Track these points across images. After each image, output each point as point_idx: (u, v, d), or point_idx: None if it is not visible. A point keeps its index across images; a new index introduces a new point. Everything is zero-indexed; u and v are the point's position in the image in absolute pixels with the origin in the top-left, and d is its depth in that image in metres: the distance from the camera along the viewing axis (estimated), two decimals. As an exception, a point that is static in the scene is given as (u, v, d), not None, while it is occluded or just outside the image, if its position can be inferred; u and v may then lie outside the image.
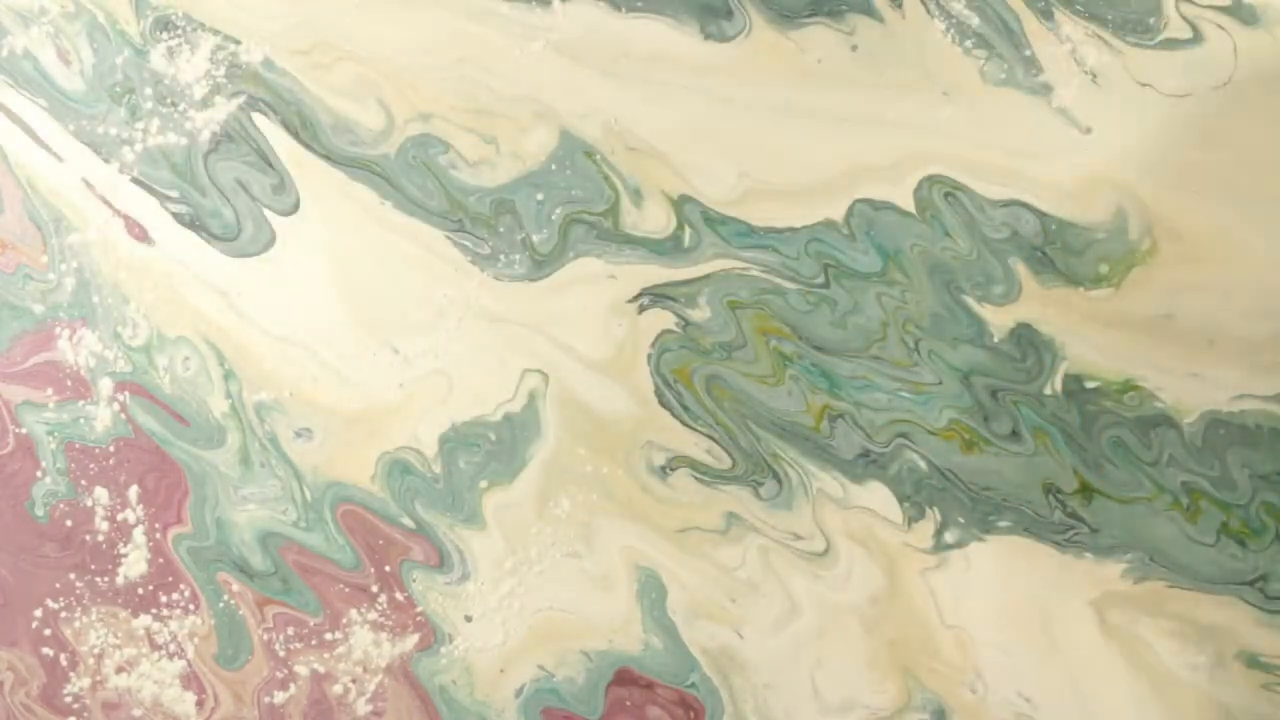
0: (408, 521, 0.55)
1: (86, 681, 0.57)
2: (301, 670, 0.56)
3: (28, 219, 0.56)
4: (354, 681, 0.56)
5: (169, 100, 0.55)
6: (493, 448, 0.55)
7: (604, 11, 0.53)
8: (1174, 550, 0.51)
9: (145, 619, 0.57)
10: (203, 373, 0.55)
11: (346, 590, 0.56)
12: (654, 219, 0.53)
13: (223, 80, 0.55)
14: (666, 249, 0.53)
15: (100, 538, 0.56)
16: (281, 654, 0.56)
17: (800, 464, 0.53)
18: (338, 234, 0.55)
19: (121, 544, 0.56)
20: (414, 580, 0.55)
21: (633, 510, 0.54)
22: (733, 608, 0.54)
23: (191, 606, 0.56)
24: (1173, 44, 0.50)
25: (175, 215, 0.55)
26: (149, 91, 0.55)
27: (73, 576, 0.57)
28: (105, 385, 0.56)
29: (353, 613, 0.56)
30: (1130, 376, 0.51)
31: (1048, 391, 0.51)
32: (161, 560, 0.56)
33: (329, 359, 0.55)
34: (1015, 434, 0.52)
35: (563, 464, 0.54)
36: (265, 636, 0.56)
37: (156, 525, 0.56)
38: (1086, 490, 0.51)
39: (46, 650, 0.57)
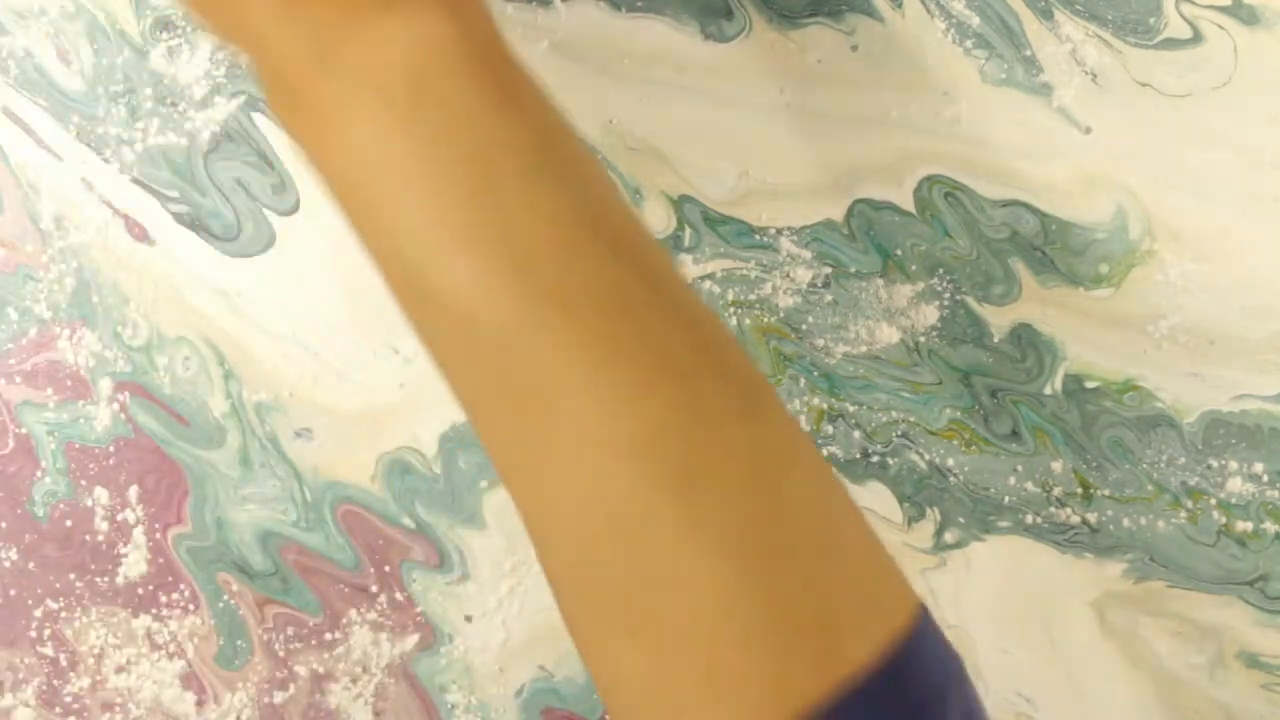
0: (408, 521, 0.55)
1: (86, 681, 0.57)
2: (301, 670, 0.56)
3: (28, 219, 0.56)
4: (354, 681, 0.56)
5: (169, 100, 0.55)
6: (493, 448, 0.55)
7: (604, 11, 0.53)
8: (1174, 550, 0.51)
9: (145, 619, 0.56)
10: (203, 373, 0.55)
11: (346, 590, 0.56)
12: (654, 219, 0.53)
13: (223, 80, 0.55)
14: (666, 249, 0.53)
15: (100, 538, 0.56)
16: (281, 654, 0.56)
17: (800, 464, 0.53)
18: (338, 234, 0.55)
19: (121, 544, 0.56)
20: (414, 580, 0.55)
21: (633, 510, 0.54)
22: (733, 608, 0.54)
23: (191, 606, 0.56)
24: (1173, 44, 0.50)
25: (175, 215, 0.55)
26: (149, 91, 0.55)
27: (73, 576, 0.57)
28: (105, 385, 0.56)
29: (353, 613, 0.56)
30: (1130, 376, 0.51)
31: (1048, 391, 0.51)
32: (161, 560, 0.56)
33: (329, 359, 0.55)
34: (1015, 434, 0.52)
35: (563, 464, 0.54)
36: (265, 636, 0.56)
37: (156, 525, 0.56)
38: (1086, 490, 0.51)
39: (46, 650, 0.57)
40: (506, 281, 0.30)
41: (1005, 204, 0.51)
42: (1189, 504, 0.51)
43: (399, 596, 0.55)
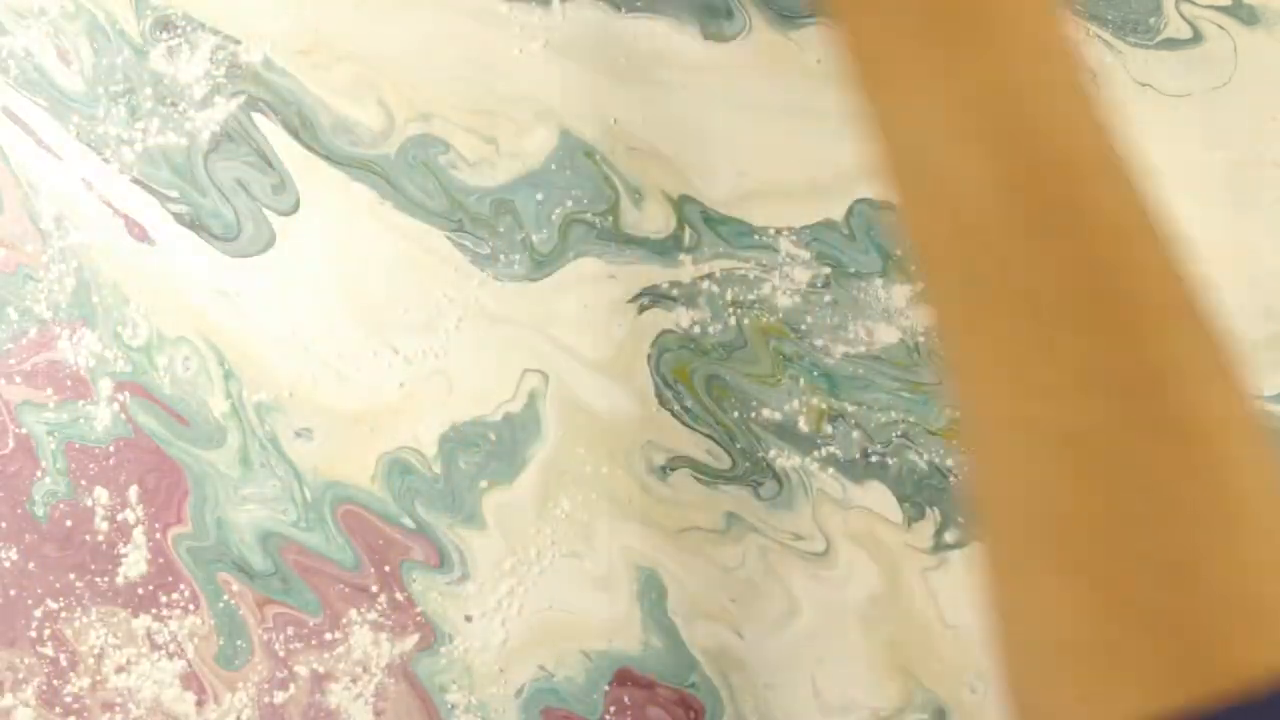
0: (408, 521, 0.55)
1: (86, 681, 0.57)
2: (301, 670, 0.56)
3: (28, 219, 0.56)
4: (354, 681, 0.56)
5: (169, 100, 0.55)
6: (493, 448, 0.55)
7: (604, 11, 0.53)
8: (1174, 550, 0.51)
9: (145, 619, 0.57)
10: (203, 373, 0.55)
11: (346, 590, 0.56)
12: (654, 219, 0.53)
13: (223, 80, 0.55)
14: (666, 249, 0.53)
15: (100, 538, 0.56)
16: (281, 654, 0.56)
17: (800, 464, 0.53)
18: (338, 234, 0.55)
19: (121, 544, 0.56)
20: (414, 580, 0.55)
21: (633, 510, 0.54)
22: (733, 608, 0.54)
23: (191, 606, 0.56)
24: (1173, 44, 0.50)
25: (175, 215, 0.55)
26: (149, 91, 0.55)
27: (73, 576, 0.57)
28: (105, 385, 0.56)
29: (353, 613, 0.56)
30: (1130, 376, 0.51)
31: (1048, 391, 0.51)
32: (161, 560, 0.56)
33: (329, 359, 0.55)
34: (1015, 434, 0.52)
35: (563, 464, 0.54)
36: (265, 636, 0.56)
37: (156, 525, 0.56)
38: (1086, 490, 0.51)
39: (46, 650, 0.57)
40: (1006, 190, 0.30)
41: (1005, 204, 0.51)
42: (1189, 504, 0.51)
43: (399, 596, 0.55)
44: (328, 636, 0.56)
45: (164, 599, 0.56)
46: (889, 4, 0.32)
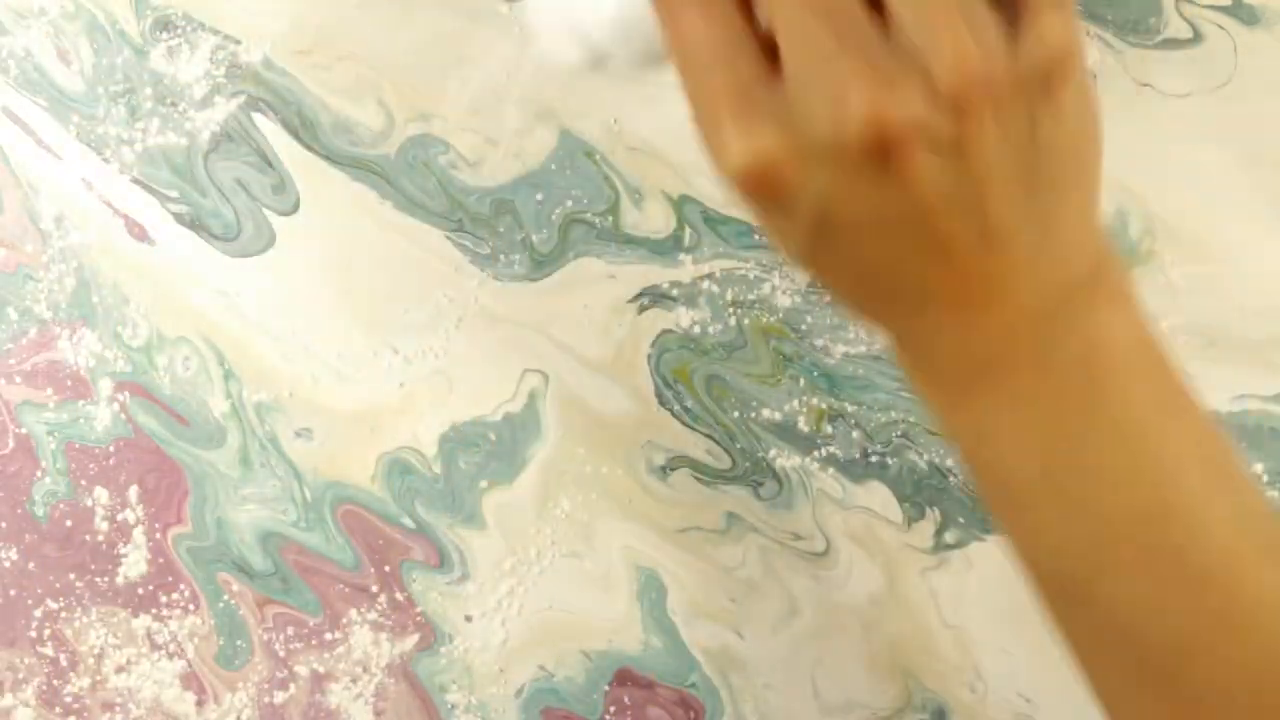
0: (408, 521, 0.55)
1: (86, 681, 0.57)
2: (301, 670, 0.56)
3: (28, 219, 0.56)
4: (354, 681, 0.56)
5: (169, 100, 0.55)
6: (493, 448, 0.55)
7: (604, 11, 0.53)
8: (1174, 550, 0.51)
9: (145, 619, 0.57)
10: (203, 373, 0.55)
11: (346, 590, 0.56)
12: (654, 219, 0.53)
13: (223, 80, 0.55)
14: (666, 249, 0.53)
15: (100, 538, 0.56)
16: (281, 654, 0.56)
17: (800, 464, 0.53)
18: (338, 234, 0.55)
19: (121, 544, 0.56)
20: (414, 580, 0.55)
21: (633, 510, 0.54)
22: (733, 608, 0.54)
23: (191, 606, 0.56)
24: (1173, 44, 0.50)
25: (175, 215, 0.55)
26: (149, 91, 0.55)
27: (73, 576, 0.57)
28: (105, 385, 0.56)
29: (353, 613, 0.56)
30: (1130, 376, 0.51)
31: (1048, 391, 0.51)
32: (161, 560, 0.56)
33: (329, 359, 0.55)
34: (1015, 434, 0.52)
35: (563, 464, 0.54)
36: (265, 636, 0.56)
37: (156, 525, 0.56)
38: (1086, 490, 0.51)
39: (46, 650, 0.57)
40: (1180, 604, 0.29)
41: (1005, 204, 0.51)
42: (1189, 504, 0.50)
43: (399, 596, 0.55)
44: (328, 636, 0.56)
45: (164, 599, 0.56)
46: (1013, 438, 0.31)
